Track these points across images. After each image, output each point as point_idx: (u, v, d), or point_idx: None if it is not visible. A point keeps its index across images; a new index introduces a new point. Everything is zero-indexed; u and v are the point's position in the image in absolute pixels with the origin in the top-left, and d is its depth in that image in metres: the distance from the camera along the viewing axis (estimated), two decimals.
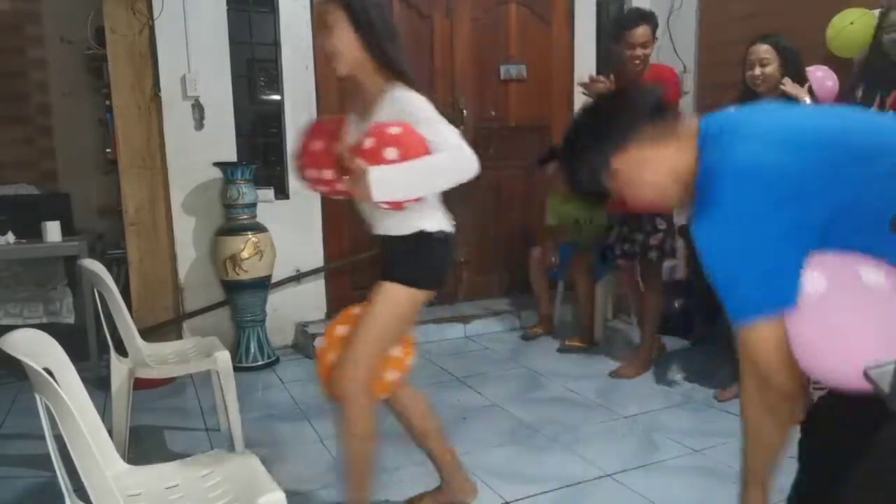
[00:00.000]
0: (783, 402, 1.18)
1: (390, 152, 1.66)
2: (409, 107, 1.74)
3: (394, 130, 1.69)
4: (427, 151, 1.70)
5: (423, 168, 1.69)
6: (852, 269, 1.07)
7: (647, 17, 3.17)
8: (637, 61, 3.14)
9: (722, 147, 1.14)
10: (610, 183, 1.27)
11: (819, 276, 1.07)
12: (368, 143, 1.70)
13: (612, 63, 3.54)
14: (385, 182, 1.65)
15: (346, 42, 1.75)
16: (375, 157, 1.66)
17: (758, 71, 2.77)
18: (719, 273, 1.12)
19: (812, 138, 1.11)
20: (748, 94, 2.82)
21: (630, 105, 1.28)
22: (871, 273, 1.06)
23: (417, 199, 1.75)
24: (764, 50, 2.75)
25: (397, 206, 1.74)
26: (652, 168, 1.23)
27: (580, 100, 4.65)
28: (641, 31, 3.11)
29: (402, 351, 1.99)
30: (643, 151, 1.22)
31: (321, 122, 2.12)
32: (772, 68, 2.75)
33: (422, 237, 1.83)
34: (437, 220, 1.87)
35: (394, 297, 1.84)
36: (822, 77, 3.22)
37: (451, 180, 1.76)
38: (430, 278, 1.88)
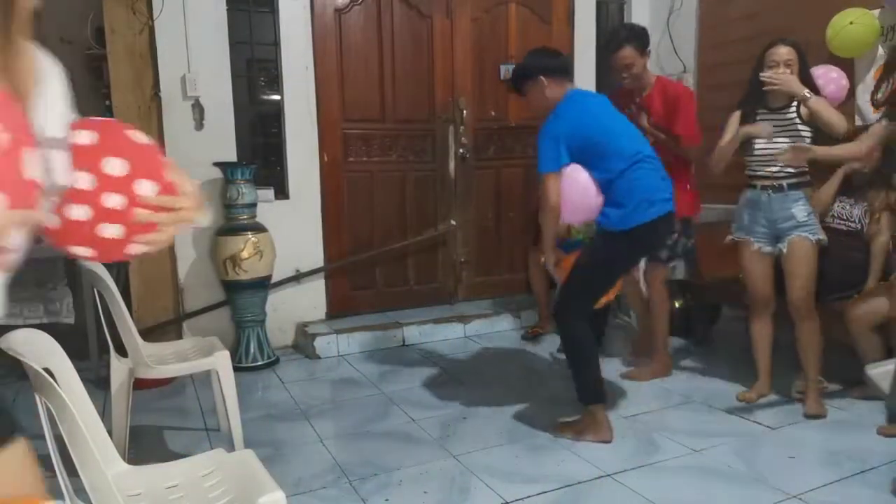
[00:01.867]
0: (554, 210, 2.61)
1: None
2: None
3: None
4: None
5: None
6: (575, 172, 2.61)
7: (631, 37, 3.16)
8: (625, 78, 3.20)
9: (565, 102, 2.66)
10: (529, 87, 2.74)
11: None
12: None
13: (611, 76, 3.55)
14: None
15: None
16: None
17: (783, 70, 2.71)
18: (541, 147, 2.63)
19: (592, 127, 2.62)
20: (757, 94, 2.77)
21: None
22: (581, 174, 2.61)
23: None
24: (787, 52, 2.72)
25: None
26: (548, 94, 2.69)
27: None
28: (624, 54, 3.16)
29: None
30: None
31: None
32: (795, 69, 2.72)
33: None
34: None
35: None
36: (837, 77, 3.23)
37: None
38: None
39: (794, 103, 2.72)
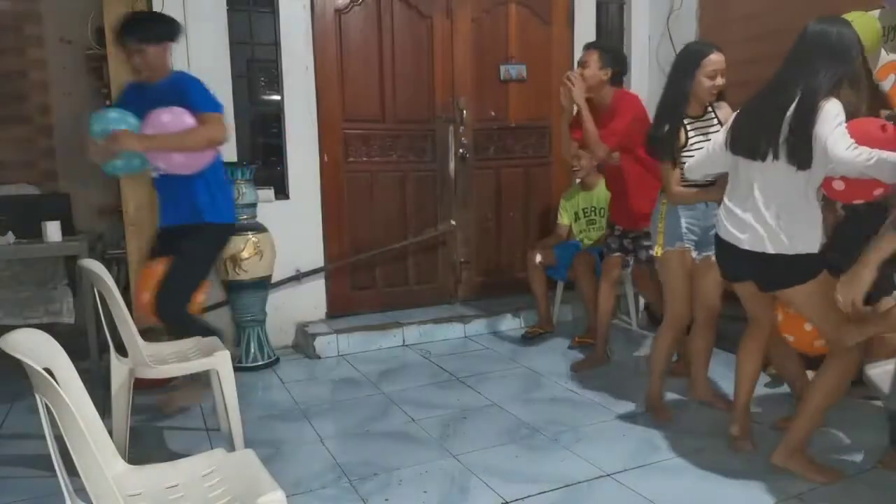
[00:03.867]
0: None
1: None
2: None
3: None
4: None
5: None
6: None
7: (602, 48, 3.26)
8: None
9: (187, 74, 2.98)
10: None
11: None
12: None
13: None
14: None
15: None
16: None
17: (720, 81, 2.58)
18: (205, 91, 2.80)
19: None
20: (683, 104, 2.58)
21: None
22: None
23: None
24: (723, 59, 2.57)
25: None
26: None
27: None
28: (586, 56, 3.24)
29: None
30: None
31: None
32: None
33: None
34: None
35: None
36: None
37: None
38: None
39: (709, 107, 2.65)
